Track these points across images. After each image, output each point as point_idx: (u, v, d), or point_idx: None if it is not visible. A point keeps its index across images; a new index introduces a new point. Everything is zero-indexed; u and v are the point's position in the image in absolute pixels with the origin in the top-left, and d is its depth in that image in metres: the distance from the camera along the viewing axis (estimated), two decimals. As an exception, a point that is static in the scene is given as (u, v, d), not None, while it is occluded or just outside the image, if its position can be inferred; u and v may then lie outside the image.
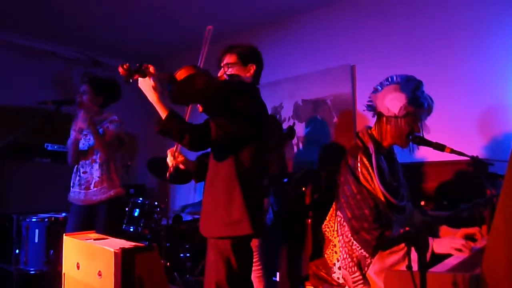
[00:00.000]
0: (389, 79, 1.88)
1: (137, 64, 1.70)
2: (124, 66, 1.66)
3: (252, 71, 2.04)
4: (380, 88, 1.89)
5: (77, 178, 3.02)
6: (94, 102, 3.03)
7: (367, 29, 3.65)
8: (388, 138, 1.89)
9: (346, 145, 3.63)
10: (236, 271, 1.79)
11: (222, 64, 2.05)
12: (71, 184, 3.05)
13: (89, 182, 2.98)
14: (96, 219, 2.96)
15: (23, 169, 4.16)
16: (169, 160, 2.03)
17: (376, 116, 1.93)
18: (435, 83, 3.12)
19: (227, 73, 1.97)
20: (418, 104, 1.81)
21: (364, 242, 1.75)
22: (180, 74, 1.73)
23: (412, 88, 1.80)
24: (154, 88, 1.73)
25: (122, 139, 3.11)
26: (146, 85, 1.74)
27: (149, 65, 1.73)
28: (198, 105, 1.80)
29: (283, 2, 3.91)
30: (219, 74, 2.03)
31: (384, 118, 1.86)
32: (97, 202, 2.96)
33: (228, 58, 2.03)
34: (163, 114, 1.74)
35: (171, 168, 2.03)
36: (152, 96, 1.74)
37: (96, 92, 3.04)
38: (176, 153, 2.04)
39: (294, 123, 4.04)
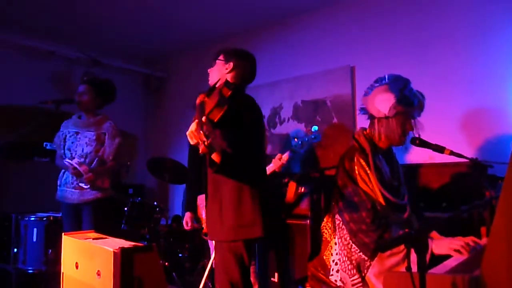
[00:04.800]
0: (379, 80, 1.88)
1: (206, 131, 1.57)
2: (206, 143, 1.55)
3: (230, 67, 2.08)
4: (370, 91, 1.89)
5: (64, 176, 3.01)
6: (93, 103, 3.04)
7: (367, 30, 3.65)
8: (383, 139, 1.89)
9: (346, 146, 3.62)
10: (247, 267, 1.90)
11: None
12: (58, 183, 3.03)
13: (77, 181, 2.94)
14: (83, 219, 2.94)
15: (22, 168, 4.15)
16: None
17: (369, 119, 1.94)
18: (435, 84, 3.12)
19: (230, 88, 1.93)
20: (408, 103, 1.81)
21: (363, 245, 1.75)
22: (214, 116, 1.67)
23: (400, 87, 1.80)
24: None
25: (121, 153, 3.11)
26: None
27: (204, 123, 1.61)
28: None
29: (283, 3, 3.91)
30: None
31: (376, 120, 1.87)
32: (83, 202, 2.93)
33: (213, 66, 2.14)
34: (216, 156, 1.75)
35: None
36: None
37: (96, 93, 3.05)
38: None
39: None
